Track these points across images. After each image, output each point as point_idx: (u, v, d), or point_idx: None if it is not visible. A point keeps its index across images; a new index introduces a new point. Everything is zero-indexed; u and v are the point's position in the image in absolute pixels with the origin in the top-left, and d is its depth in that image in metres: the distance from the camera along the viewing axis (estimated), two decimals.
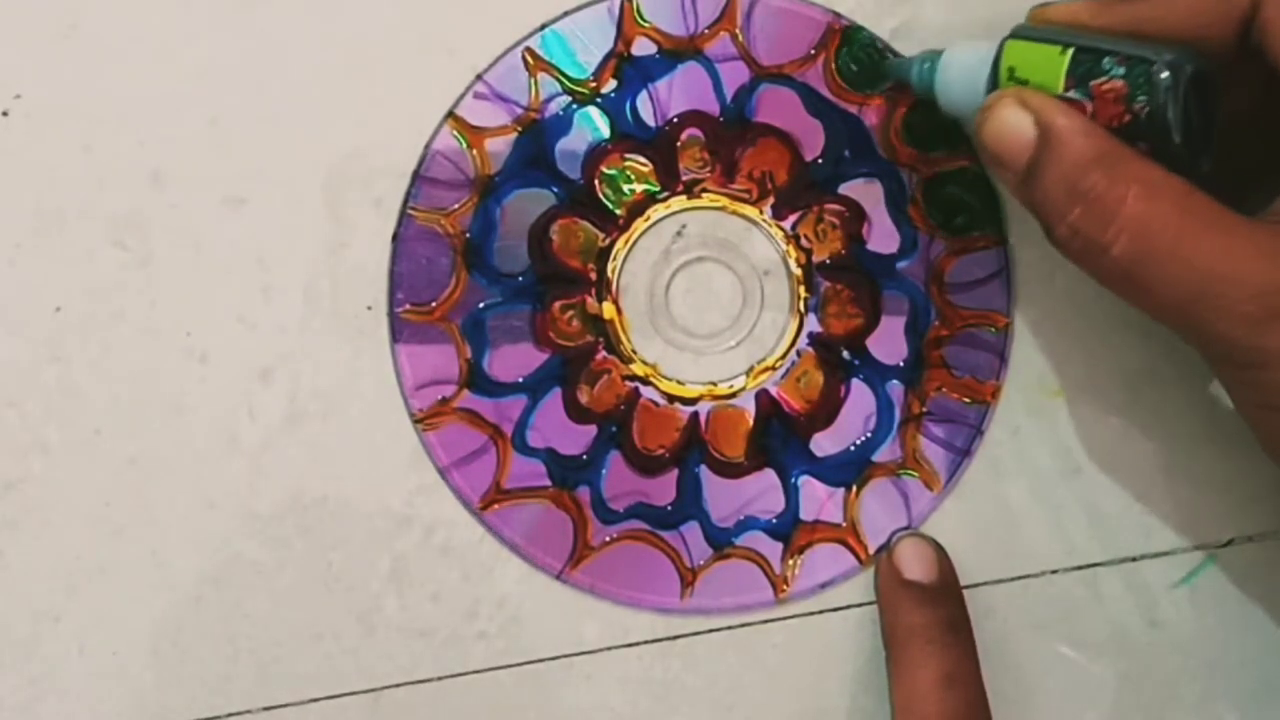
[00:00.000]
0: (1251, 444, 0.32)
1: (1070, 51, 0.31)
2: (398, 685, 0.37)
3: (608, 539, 0.37)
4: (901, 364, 0.38)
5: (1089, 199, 0.30)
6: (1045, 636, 0.38)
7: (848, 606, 0.38)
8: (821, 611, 0.38)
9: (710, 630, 0.38)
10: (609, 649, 0.38)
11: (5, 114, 0.37)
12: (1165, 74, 0.30)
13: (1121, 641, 0.38)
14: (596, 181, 0.38)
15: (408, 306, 0.37)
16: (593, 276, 0.38)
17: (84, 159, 0.37)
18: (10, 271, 0.37)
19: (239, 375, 0.37)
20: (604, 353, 0.38)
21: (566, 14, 0.37)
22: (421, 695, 0.37)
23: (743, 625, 0.38)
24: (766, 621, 0.38)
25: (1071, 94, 0.31)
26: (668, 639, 0.38)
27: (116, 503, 0.37)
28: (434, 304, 0.37)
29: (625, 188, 0.38)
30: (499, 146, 0.37)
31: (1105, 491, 0.38)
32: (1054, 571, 0.37)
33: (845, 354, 0.38)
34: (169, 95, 0.37)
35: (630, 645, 0.38)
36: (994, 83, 0.33)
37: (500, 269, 0.37)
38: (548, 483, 0.37)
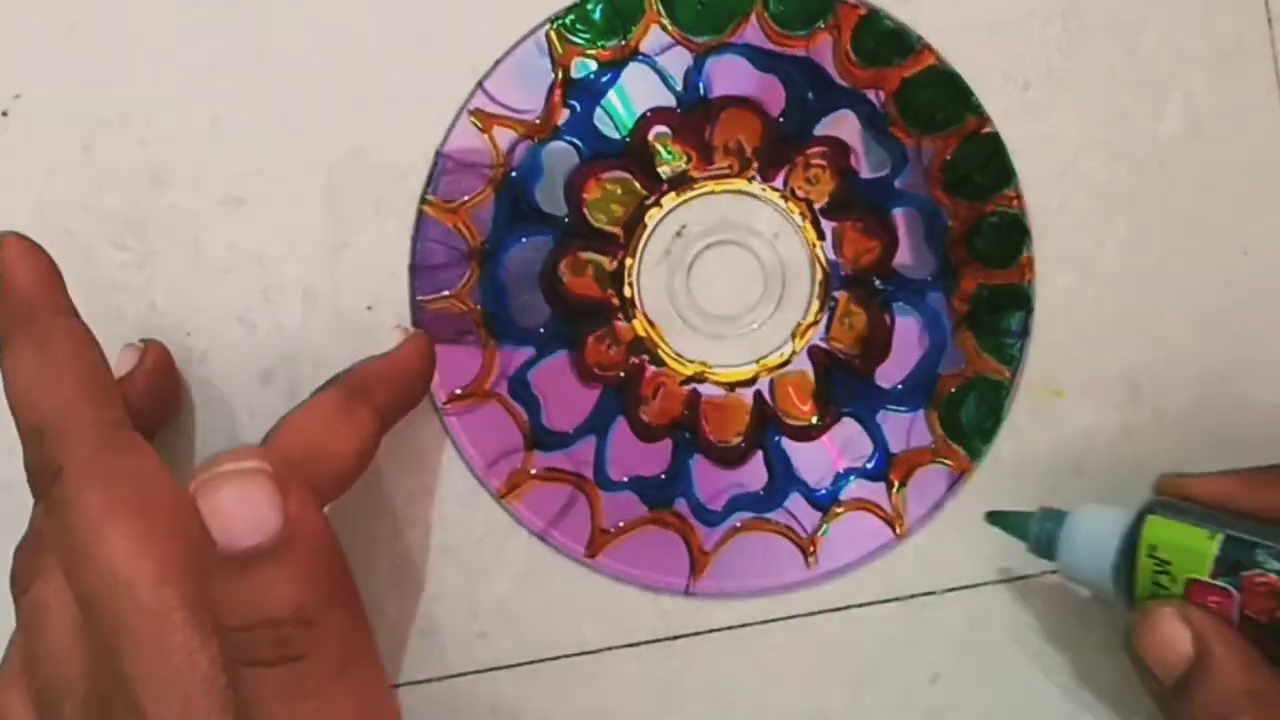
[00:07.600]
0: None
1: (1220, 538, 0.30)
2: (398, 685, 0.37)
3: (728, 530, 0.37)
4: (932, 276, 0.38)
5: None
6: (1044, 637, 0.37)
7: (847, 607, 0.37)
8: (821, 611, 0.37)
9: (711, 630, 0.37)
10: (609, 649, 0.37)
11: (5, 114, 0.37)
12: None
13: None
14: (584, 210, 0.37)
15: (456, 391, 0.37)
16: (614, 301, 0.38)
17: (84, 159, 0.37)
18: None
19: (239, 375, 0.37)
20: (652, 368, 0.38)
21: (497, 63, 0.37)
22: (421, 695, 0.37)
23: (743, 625, 0.37)
24: (766, 621, 0.37)
25: (1218, 582, 0.30)
26: (668, 639, 0.37)
27: None
28: (470, 386, 0.37)
29: (614, 207, 0.38)
30: (482, 212, 0.37)
31: (1105, 491, 0.37)
32: (1054, 571, 0.35)
33: (877, 283, 0.38)
34: (169, 95, 0.37)
35: (630, 645, 0.37)
36: (1128, 558, 0.32)
37: (523, 325, 0.37)
38: (645, 510, 0.37)
